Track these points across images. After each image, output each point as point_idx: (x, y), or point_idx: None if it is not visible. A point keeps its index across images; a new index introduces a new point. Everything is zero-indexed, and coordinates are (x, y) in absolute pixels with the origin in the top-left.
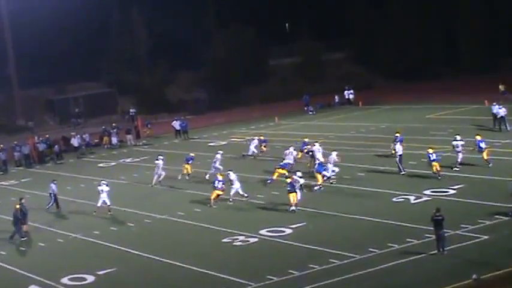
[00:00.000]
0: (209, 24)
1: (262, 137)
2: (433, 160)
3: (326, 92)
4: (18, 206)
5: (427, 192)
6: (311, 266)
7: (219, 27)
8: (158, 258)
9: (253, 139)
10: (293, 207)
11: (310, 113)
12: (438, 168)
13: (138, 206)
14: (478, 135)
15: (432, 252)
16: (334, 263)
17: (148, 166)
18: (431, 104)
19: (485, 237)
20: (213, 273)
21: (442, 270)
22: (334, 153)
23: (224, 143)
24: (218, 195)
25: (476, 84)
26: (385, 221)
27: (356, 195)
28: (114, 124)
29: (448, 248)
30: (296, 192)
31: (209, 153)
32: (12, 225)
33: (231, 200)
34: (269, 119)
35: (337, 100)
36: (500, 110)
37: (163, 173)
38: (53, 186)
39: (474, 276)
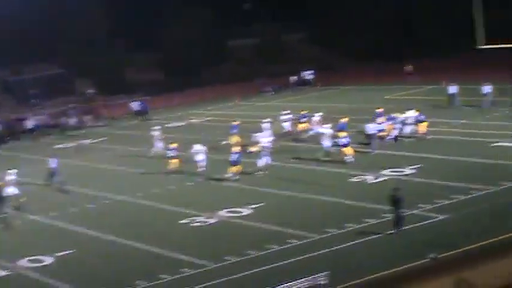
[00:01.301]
0: (167, 5)
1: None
2: (344, 145)
3: (286, 73)
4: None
5: (385, 171)
6: (269, 246)
7: (177, 7)
8: (116, 239)
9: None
10: (235, 177)
11: (269, 93)
12: (351, 152)
13: (97, 187)
14: (417, 110)
15: (389, 232)
16: (292, 243)
17: (106, 147)
18: (389, 85)
19: (443, 216)
20: (171, 254)
21: (399, 250)
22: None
23: (182, 123)
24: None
25: (434, 65)
26: (343, 201)
27: (315, 175)
28: (71, 105)
29: (405, 227)
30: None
31: (167, 134)
32: None
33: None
34: (228, 100)
35: (296, 81)
36: (484, 88)
37: (160, 145)
38: (52, 161)
39: (431, 255)
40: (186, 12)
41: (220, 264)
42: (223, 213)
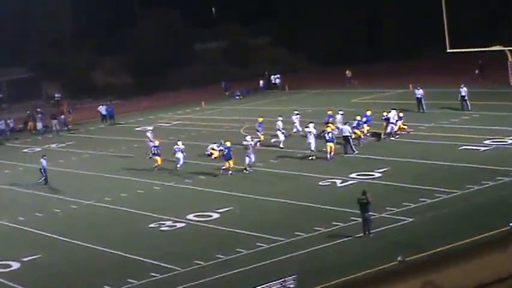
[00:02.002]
0: (134, 7)
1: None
2: (328, 140)
3: (252, 76)
4: None
5: (353, 175)
6: (238, 250)
7: (143, 9)
8: (85, 244)
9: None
10: (230, 171)
11: (237, 97)
12: (332, 149)
13: (64, 192)
14: (368, 110)
15: (358, 235)
16: (261, 246)
17: (74, 152)
18: (357, 89)
19: (410, 219)
20: (140, 258)
21: (368, 253)
22: (340, 114)
23: (151, 128)
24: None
25: (400, 69)
26: (312, 205)
27: (283, 179)
28: (39, 109)
29: (373, 230)
30: (231, 159)
31: (135, 138)
32: None
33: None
34: (196, 104)
35: (262, 84)
36: (462, 90)
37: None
38: (43, 161)
39: (399, 258)
40: (155, 14)
41: (189, 268)
42: (191, 217)
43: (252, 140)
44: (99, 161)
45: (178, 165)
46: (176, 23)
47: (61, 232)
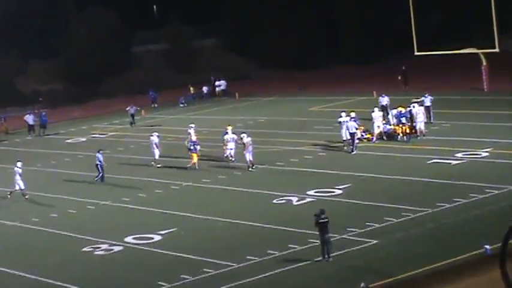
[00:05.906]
0: (67, 6)
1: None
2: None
3: (198, 83)
4: None
5: (311, 192)
6: (183, 276)
7: (76, 10)
8: (10, 270)
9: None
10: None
11: (181, 105)
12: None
13: None
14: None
15: (317, 259)
16: (208, 272)
17: None
18: (314, 96)
19: (374, 241)
20: (71, 286)
21: (327, 279)
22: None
23: (84, 139)
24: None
25: (362, 74)
26: (265, 225)
27: (233, 196)
28: None
29: (333, 254)
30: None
31: (66, 151)
32: None
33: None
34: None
35: (206, 91)
36: (425, 99)
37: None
38: (100, 156)
39: (362, 284)
40: (89, 14)
41: None
42: (130, 239)
43: (249, 137)
44: (25, 177)
45: (230, 157)
46: (112, 24)
47: None
